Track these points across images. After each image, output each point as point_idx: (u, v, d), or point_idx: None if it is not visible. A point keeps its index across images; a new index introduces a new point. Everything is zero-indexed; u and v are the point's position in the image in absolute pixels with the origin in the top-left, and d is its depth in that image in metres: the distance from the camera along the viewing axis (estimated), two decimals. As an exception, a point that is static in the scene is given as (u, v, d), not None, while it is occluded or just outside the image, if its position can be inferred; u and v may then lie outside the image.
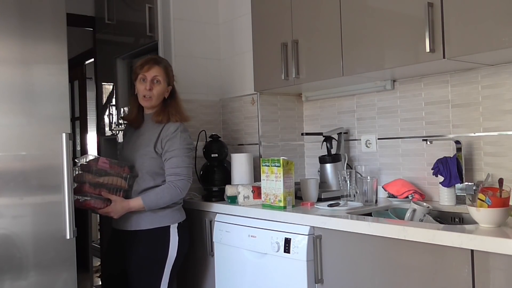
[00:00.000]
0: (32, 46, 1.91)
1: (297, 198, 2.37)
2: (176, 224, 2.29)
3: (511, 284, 1.40)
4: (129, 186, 2.25)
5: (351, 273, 1.85)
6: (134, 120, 2.41)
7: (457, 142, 2.16)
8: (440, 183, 2.17)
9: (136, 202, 2.21)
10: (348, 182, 2.31)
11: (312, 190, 2.37)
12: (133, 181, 2.27)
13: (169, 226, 2.27)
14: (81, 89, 4.80)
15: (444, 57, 1.87)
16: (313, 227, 1.97)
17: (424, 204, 2.04)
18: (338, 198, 2.41)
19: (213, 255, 2.48)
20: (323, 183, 2.56)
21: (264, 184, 2.28)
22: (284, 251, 2.03)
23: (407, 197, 2.27)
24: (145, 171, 2.27)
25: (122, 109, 3.37)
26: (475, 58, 1.92)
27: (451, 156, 2.16)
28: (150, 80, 2.29)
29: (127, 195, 2.26)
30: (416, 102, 2.39)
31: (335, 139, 2.65)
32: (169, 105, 2.36)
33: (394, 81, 2.47)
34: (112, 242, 2.43)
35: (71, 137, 1.96)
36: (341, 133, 2.65)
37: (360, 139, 2.66)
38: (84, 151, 4.67)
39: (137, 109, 2.40)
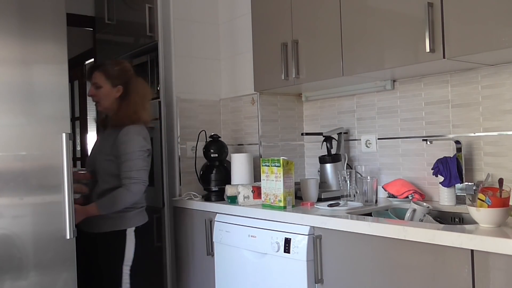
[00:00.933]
0: (32, 46, 1.91)
1: (297, 198, 2.37)
2: (134, 228, 2.33)
3: (511, 284, 1.40)
4: (90, 191, 2.34)
5: (351, 273, 1.85)
6: (101, 123, 2.54)
7: (457, 142, 2.16)
8: (440, 183, 2.17)
9: (91, 208, 2.24)
10: (348, 182, 2.31)
11: (312, 190, 2.37)
12: (94, 185, 2.34)
13: (125, 230, 2.31)
14: (81, 89, 4.79)
15: (444, 57, 1.87)
16: (313, 227, 1.97)
17: (424, 204, 2.04)
18: (338, 198, 2.41)
19: (213, 255, 2.48)
20: (323, 183, 2.56)
21: (264, 184, 2.28)
22: (284, 251, 2.03)
23: (407, 197, 2.27)
24: (104, 173, 2.33)
25: (122, 109, 3.37)
26: (475, 58, 1.92)
27: (451, 156, 2.16)
28: (92, 86, 2.41)
29: (90, 199, 2.31)
30: (416, 102, 2.39)
31: (335, 139, 2.65)
32: (122, 107, 2.37)
33: (394, 81, 2.47)
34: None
35: (71, 137, 1.95)
36: (341, 133, 2.65)
37: (360, 139, 2.66)
38: (84, 151, 4.67)
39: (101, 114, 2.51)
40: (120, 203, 2.26)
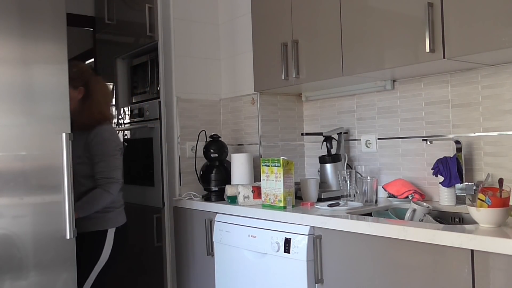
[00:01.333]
0: (32, 46, 1.91)
1: (297, 198, 2.37)
2: (114, 229, 2.33)
3: (511, 284, 1.40)
4: None
5: (351, 273, 1.85)
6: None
7: (457, 142, 2.16)
8: (440, 183, 2.17)
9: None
10: (348, 182, 2.31)
11: (312, 190, 2.37)
12: None
13: (106, 230, 2.31)
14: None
15: (444, 57, 1.87)
16: (313, 227, 1.97)
17: (424, 204, 2.04)
18: (338, 198, 2.41)
19: (213, 255, 2.48)
20: (323, 183, 2.56)
21: (264, 184, 2.28)
22: (284, 251, 2.03)
23: (407, 197, 2.27)
24: (79, 176, 2.26)
25: (122, 109, 3.37)
26: (475, 58, 1.92)
27: (451, 156, 2.16)
28: None
29: None
30: (416, 102, 2.39)
31: (335, 139, 2.65)
32: (86, 107, 2.34)
33: (394, 81, 2.47)
34: None
35: (71, 137, 1.96)
36: (341, 133, 2.65)
37: (360, 139, 2.66)
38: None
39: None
40: (99, 204, 2.26)
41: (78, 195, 2.26)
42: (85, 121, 2.31)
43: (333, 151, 2.63)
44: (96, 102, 2.37)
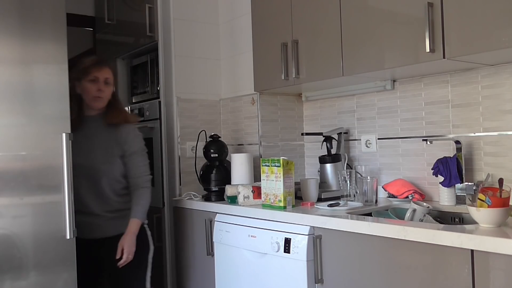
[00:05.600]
0: (32, 46, 1.91)
1: (297, 198, 2.37)
2: (146, 221, 2.35)
3: (511, 284, 1.40)
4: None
5: (351, 273, 1.85)
6: (73, 122, 2.12)
7: (457, 142, 2.16)
8: (440, 183, 2.17)
9: (135, 224, 2.24)
10: (348, 182, 2.31)
11: (312, 190, 2.37)
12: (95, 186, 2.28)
13: (143, 223, 2.32)
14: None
15: (444, 57, 1.87)
16: (313, 227, 1.97)
17: (424, 204, 2.04)
18: (338, 198, 2.41)
19: (213, 255, 2.48)
20: (323, 183, 2.56)
21: (264, 184, 2.28)
22: (284, 251, 2.03)
23: (407, 197, 2.27)
24: (112, 176, 2.25)
25: (122, 109, 3.37)
26: (475, 58, 1.92)
27: (451, 156, 2.16)
28: (102, 81, 2.27)
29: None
30: (416, 102, 2.39)
31: (335, 139, 2.65)
32: (118, 106, 2.37)
33: (394, 81, 2.47)
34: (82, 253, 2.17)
35: (71, 137, 1.96)
36: (341, 133, 2.65)
37: (360, 139, 2.66)
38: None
39: (77, 111, 2.26)
40: (149, 202, 2.30)
41: (119, 193, 2.28)
42: (117, 117, 2.30)
43: (333, 151, 2.63)
44: (120, 101, 2.44)
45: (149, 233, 2.36)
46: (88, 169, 2.21)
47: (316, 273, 1.95)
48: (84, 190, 2.21)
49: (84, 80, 2.25)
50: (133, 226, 2.23)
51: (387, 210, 2.14)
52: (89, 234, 2.22)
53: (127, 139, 2.28)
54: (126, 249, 2.18)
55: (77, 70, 2.26)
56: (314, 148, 2.90)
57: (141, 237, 2.29)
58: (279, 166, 2.20)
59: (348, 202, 2.25)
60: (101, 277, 2.32)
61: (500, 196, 1.57)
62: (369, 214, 2.06)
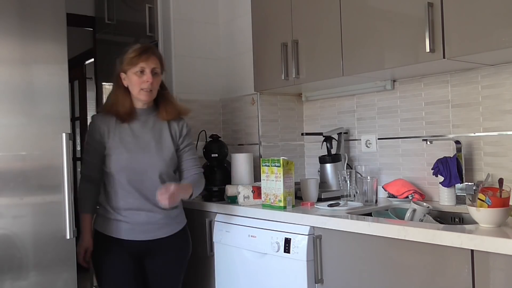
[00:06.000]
0: (32, 46, 1.91)
1: (297, 198, 2.37)
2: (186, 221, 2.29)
3: (511, 284, 1.40)
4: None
5: (351, 273, 1.85)
6: (127, 115, 2.13)
7: (457, 142, 2.16)
8: (440, 183, 2.17)
9: (188, 186, 2.12)
10: (348, 182, 2.31)
11: (312, 190, 2.37)
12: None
13: (186, 225, 2.27)
14: (81, 89, 4.79)
15: (444, 57, 1.87)
16: (313, 227, 1.97)
17: (424, 204, 2.04)
18: (338, 198, 2.41)
19: (213, 255, 2.48)
20: (323, 183, 2.56)
21: (264, 184, 2.28)
22: (284, 251, 2.03)
23: (407, 197, 2.27)
24: (168, 172, 2.15)
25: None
26: (475, 58, 1.92)
27: (451, 156, 2.16)
28: (150, 71, 2.08)
29: None
30: (416, 102, 2.39)
31: (335, 139, 2.65)
32: (169, 98, 2.23)
33: (394, 81, 2.47)
34: (123, 258, 2.11)
35: (71, 137, 1.96)
36: (341, 133, 2.65)
37: (360, 139, 2.66)
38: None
39: (130, 102, 2.14)
40: (201, 189, 2.24)
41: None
42: (172, 113, 2.19)
43: (333, 151, 2.63)
44: (172, 95, 2.31)
45: (189, 232, 2.28)
46: (144, 164, 2.08)
47: (316, 273, 1.95)
48: (138, 186, 2.08)
49: (130, 71, 2.09)
50: (186, 185, 2.12)
51: (387, 210, 2.14)
52: (140, 235, 2.10)
53: (182, 133, 2.21)
54: (173, 189, 1.94)
55: (122, 61, 2.12)
56: (314, 148, 2.90)
57: (186, 237, 2.25)
58: (279, 166, 2.20)
59: (348, 202, 2.25)
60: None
61: (500, 196, 1.57)
62: (369, 214, 2.06)
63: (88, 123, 2.14)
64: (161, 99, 2.19)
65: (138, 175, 2.08)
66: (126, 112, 2.12)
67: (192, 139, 2.29)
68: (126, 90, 2.13)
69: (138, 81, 2.08)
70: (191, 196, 2.13)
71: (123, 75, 2.12)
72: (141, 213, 2.09)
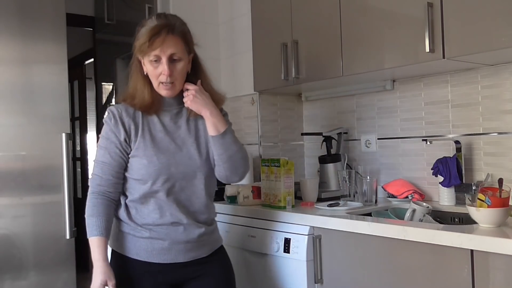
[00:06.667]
0: (32, 46, 1.92)
1: (297, 198, 2.37)
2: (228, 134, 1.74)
3: (511, 284, 1.40)
4: None
5: (351, 273, 1.85)
6: (151, 105, 1.67)
7: (457, 142, 2.16)
8: (440, 183, 2.17)
9: (222, 118, 1.68)
10: (348, 182, 2.31)
11: (312, 190, 2.37)
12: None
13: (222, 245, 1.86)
14: (81, 89, 4.80)
15: (444, 57, 1.87)
16: (313, 227, 1.97)
17: (424, 204, 2.04)
18: (338, 198, 2.41)
19: (213, 255, 2.47)
20: (323, 183, 2.56)
21: (264, 184, 2.28)
22: (284, 251, 2.03)
23: (406, 197, 2.27)
24: (207, 174, 1.71)
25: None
26: (475, 58, 1.92)
27: (451, 156, 2.16)
28: (167, 60, 1.60)
29: None
30: (416, 102, 2.39)
31: (335, 139, 2.65)
32: (202, 81, 1.73)
33: (394, 81, 2.47)
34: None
35: (71, 137, 1.96)
36: (341, 133, 2.65)
37: (360, 139, 2.66)
38: (84, 151, 4.67)
39: (151, 90, 1.67)
40: (243, 154, 1.74)
41: (211, 195, 1.79)
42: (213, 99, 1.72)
43: (333, 151, 2.63)
44: (208, 77, 1.79)
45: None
46: (183, 167, 1.65)
47: (316, 273, 1.95)
48: (176, 195, 1.65)
49: (145, 59, 1.64)
50: (220, 115, 1.68)
51: (387, 210, 2.14)
52: (180, 256, 1.66)
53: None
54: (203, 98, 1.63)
55: (135, 45, 1.67)
56: (314, 148, 2.90)
57: (226, 254, 1.86)
58: (279, 166, 2.20)
59: (348, 202, 2.25)
60: None
61: (500, 196, 1.57)
62: (369, 214, 2.06)
63: (104, 116, 1.69)
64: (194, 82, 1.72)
65: (176, 181, 1.64)
66: (150, 103, 1.67)
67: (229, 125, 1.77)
68: (145, 77, 1.68)
69: (154, 73, 1.62)
70: (222, 134, 1.65)
71: (141, 60, 1.67)
72: (179, 229, 1.64)
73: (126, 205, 1.67)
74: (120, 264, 1.65)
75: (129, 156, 1.65)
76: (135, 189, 1.65)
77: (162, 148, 1.65)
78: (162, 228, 1.64)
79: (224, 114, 1.76)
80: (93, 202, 1.62)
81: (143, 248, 1.63)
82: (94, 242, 1.59)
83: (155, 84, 1.65)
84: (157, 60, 1.61)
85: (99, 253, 1.58)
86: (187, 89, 1.66)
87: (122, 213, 1.67)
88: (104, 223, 1.60)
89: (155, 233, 1.63)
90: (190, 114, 1.72)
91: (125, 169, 1.66)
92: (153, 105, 1.67)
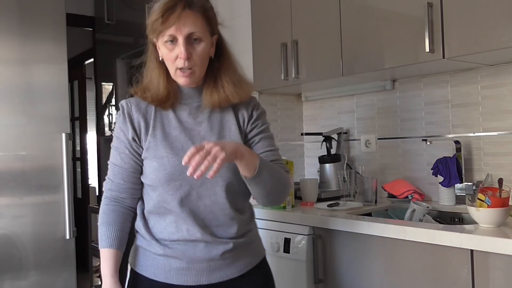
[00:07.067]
0: (32, 46, 1.92)
1: (297, 198, 2.37)
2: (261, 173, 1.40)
3: (511, 284, 1.41)
4: None
5: (351, 273, 1.85)
6: (166, 99, 1.42)
7: (457, 142, 2.16)
8: (439, 183, 2.17)
9: (253, 154, 1.33)
10: (347, 182, 2.31)
11: (312, 190, 2.37)
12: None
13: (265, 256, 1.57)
14: (81, 89, 4.80)
15: (443, 57, 1.87)
16: (313, 227, 1.97)
17: (424, 204, 2.04)
18: (338, 198, 2.41)
19: (213, 255, 2.47)
20: (323, 183, 2.56)
21: (264, 184, 2.28)
22: (284, 251, 2.03)
23: (406, 197, 2.27)
24: (242, 183, 1.40)
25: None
26: (475, 58, 1.92)
27: (451, 156, 2.16)
28: (184, 40, 1.34)
29: None
30: (416, 102, 2.39)
31: (335, 139, 2.65)
32: (227, 68, 1.49)
33: (394, 81, 2.47)
34: None
35: (71, 137, 1.96)
36: (341, 133, 2.65)
37: (360, 139, 2.66)
38: (84, 151, 4.67)
39: (167, 80, 1.43)
40: (283, 182, 1.44)
41: (239, 208, 1.49)
42: (234, 96, 1.46)
43: (333, 151, 2.63)
44: (234, 63, 1.56)
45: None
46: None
47: (316, 273, 1.95)
48: (193, 206, 1.37)
49: (159, 41, 1.38)
50: (249, 150, 1.34)
51: (387, 210, 2.14)
52: (201, 277, 1.38)
53: (251, 117, 1.49)
54: (224, 145, 1.23)
55: (147, 23, 1.38)
56: (314, 148, 2.90)
57: (267, 273, 1.54)
58: (279, 166, 2.20)
59: (348, 202, 2.25)
60: None
61: (500, 196, 1.57)
62: (369, 214, 2.06)
63: (116, 113, 1.49)
64: (219, 73, 1.47)
65: (192, 188, 1.37)
66: (165, 96, 1.42)
67: (266, 124, 1.52)
68: (161, 64, 1.43)
69: (170, 56, 1.36)
70: (257, 174, 1.31)
71: (156, 43, 1.41)
72: (199, 245, 1.37)
73: (143, 215, 1.45)
74: (136, 285, 1.42)
75: (142, 157, 1.42)
76: (149, 197, 1.42)
77: (176, 148, 1.38)
78: (178, 245, 1.37)
79: (260, 114, 1.51)
80: (104, 209, 1.43)
81: (161, 267, 1.38)
82: (103, 255, 1.38)
83: (171, 70, 1.39)
84: (173, 40, 1.34)
85: (107, 267, 1.37)
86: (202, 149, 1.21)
87: (138, 223, 1.45)
88: (114, 233, 1.39)
89: (169, 251, 1.38)
90: (214, 108, 1.43)
91: (141, 172, 1.43)
92: (169, 98, 1.42)
